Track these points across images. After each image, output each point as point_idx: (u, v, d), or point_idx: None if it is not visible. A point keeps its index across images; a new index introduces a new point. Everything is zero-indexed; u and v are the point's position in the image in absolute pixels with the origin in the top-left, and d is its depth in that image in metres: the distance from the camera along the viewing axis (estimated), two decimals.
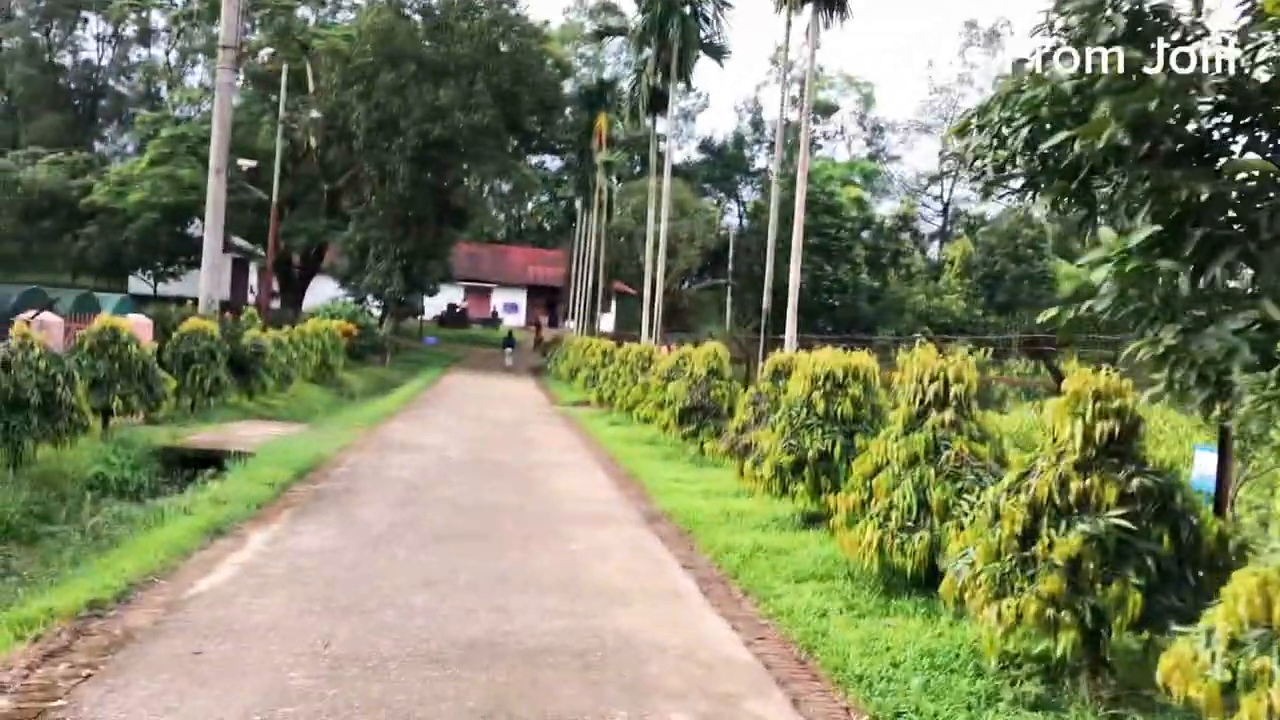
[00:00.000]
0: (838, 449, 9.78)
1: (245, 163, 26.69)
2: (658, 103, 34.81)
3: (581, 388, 31.82)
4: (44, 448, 11.84)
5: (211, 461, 14.14)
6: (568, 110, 50.66)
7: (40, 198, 54.60)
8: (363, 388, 34.46)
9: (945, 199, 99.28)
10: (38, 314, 15.80)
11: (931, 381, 8.06)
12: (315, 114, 33.41)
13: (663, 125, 39.60)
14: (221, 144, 20.64)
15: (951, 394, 7.99)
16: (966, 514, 7.36)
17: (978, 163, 5.75)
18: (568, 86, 53.13)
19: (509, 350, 48.33)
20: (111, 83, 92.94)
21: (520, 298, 76.89)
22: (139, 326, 18.76)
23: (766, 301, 16.29)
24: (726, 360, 16.76)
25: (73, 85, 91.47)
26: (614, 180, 49.30)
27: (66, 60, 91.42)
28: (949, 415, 7.92)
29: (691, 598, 7.79)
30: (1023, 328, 61.96)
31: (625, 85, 43.97)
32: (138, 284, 59.29)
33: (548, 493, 12.53)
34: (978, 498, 7.44)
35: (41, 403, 11.26)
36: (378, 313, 48.87)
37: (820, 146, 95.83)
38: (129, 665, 5.45)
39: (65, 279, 58.57)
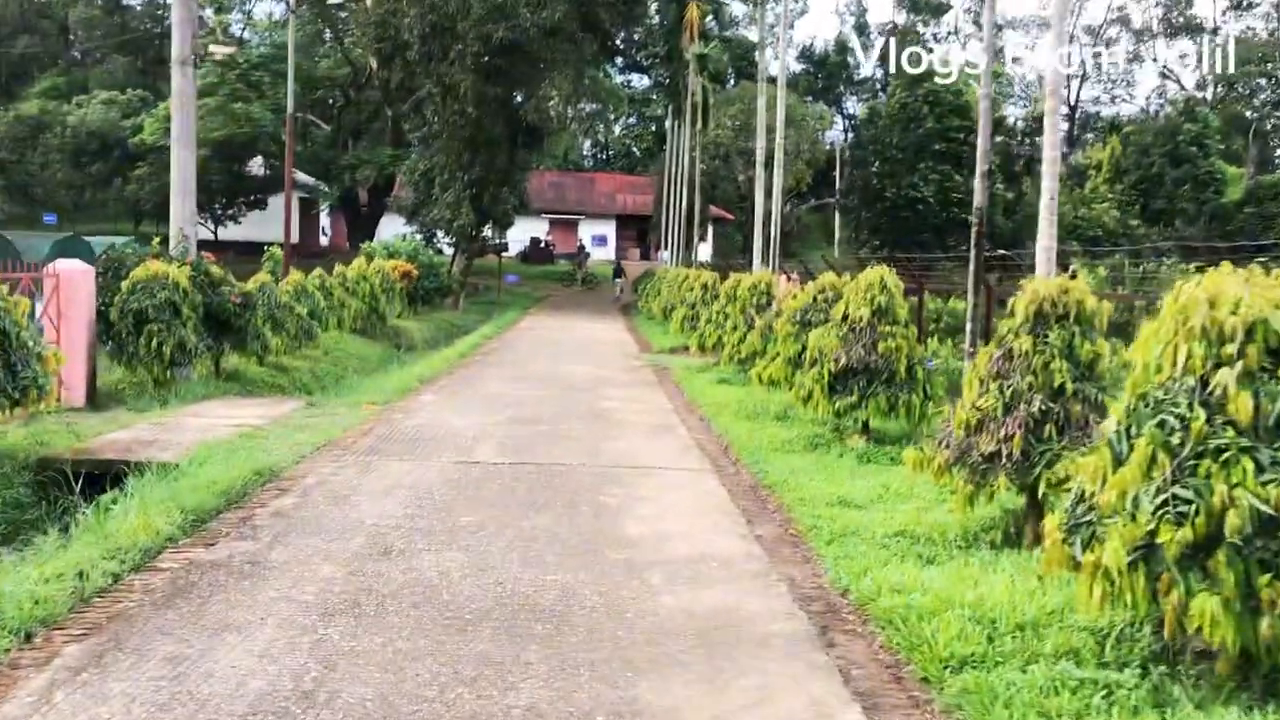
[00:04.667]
0: None
1: (220, 48, 21.03)
2: None
3: (678, 330, 26.19)
4: None
5: (120, 476, 9.06)
6: (653, 7, 44.28)
7: (88, 139, 50.56)
8: (425, 336, 29.60)
9: (1072, 102, 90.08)
10: None
11: None
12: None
13: None
14: (184, 25, 15.42)
15: None
16: None
17: None
18: None
19: (619, 281, 49.28)
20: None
21: (609, 229, 71.13)
22: (72, 277, 13.69)
23: (980, 196, 10.17)
24: (900, 294, 10.93)
25: (140, 26, 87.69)
26: (708, 86, 42.95)
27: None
28: None
29: None
30: (1180, 236, 54.21)
31: None
32: (200, 229, 55.35)
33: (621, 550, 6.96)
34: None
35: None
36: (450, 250, 43.84)
37: (931, 50, 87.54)
38: None
39: (127, 226, 54.95)
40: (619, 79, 73.38)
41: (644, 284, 45.24)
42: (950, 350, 17.91)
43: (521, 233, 59.09)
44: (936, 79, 54.04)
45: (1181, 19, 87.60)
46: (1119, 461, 4.52)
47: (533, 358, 21.89)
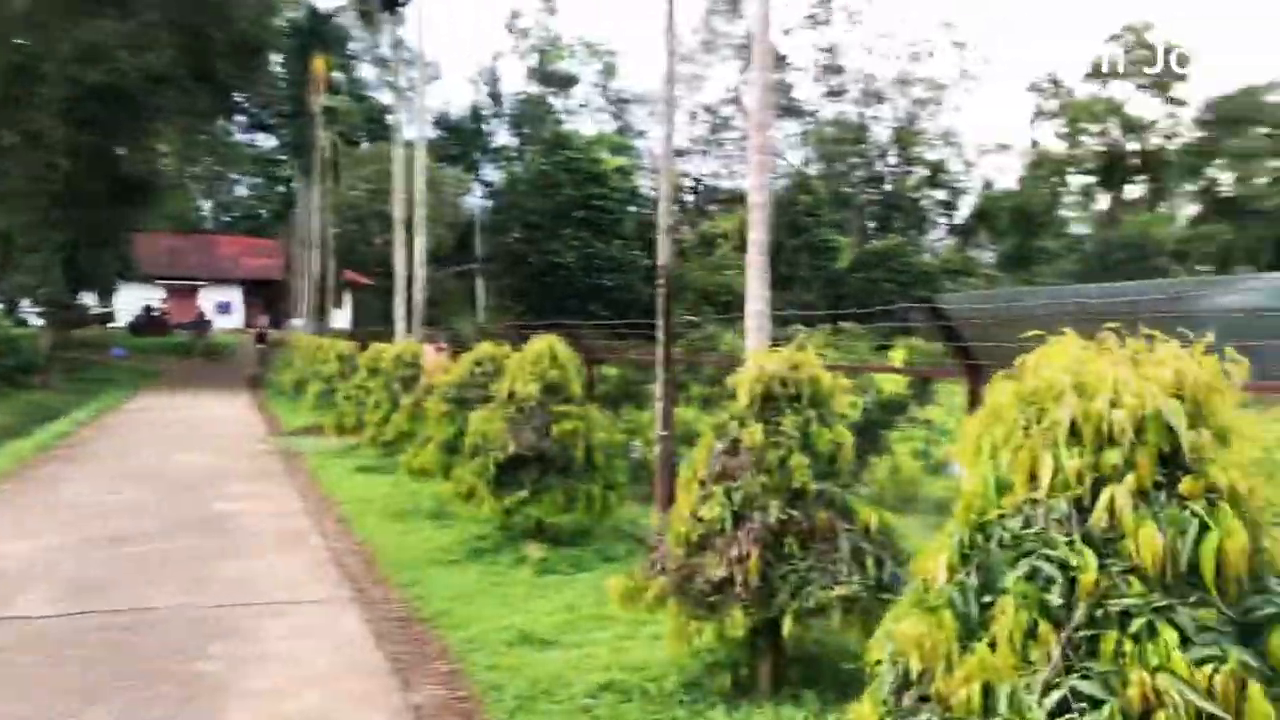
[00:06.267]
0: None
1: None
2: None
3: (312, 407, 23.49)
4: None
5: None
6: (275, 60, 41.11)
7: None
8: (1, 423, 24.74)
9: (694, 175, 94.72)
10: None
11: None
12: None
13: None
14: None
15: None
16: None
17: None
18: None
19: (260, 348, 46.12)
20: None
21: (235, 295, 65.75)
22: None
23: (664, 254, 8.50)
24: (574, 367, 9.40)
25: None
26: (338, 142, 40.31)
27: None
28: None
29: None
30: (800, 302, 57.78)
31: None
32: None
33: None
34: None
35: None
36: (40, 321, 38.10)
37: (561, 121, 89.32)
38: None
39: None
40: (243, 137, 68.62)
41: (274, 355, 41.58)
42: (610, 422, 16.75)
43: (133, 301, 53.22)
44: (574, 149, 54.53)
45: (786, 101, 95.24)
46: (969, 631, 3.05)
47: (136, 447, 18.46)
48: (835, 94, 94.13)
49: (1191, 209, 66.71)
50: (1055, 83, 70.24)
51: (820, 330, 26.68)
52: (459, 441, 10.36)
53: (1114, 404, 3.01)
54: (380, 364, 17.09)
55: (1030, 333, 3.42)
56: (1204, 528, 2.88)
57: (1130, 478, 2.95)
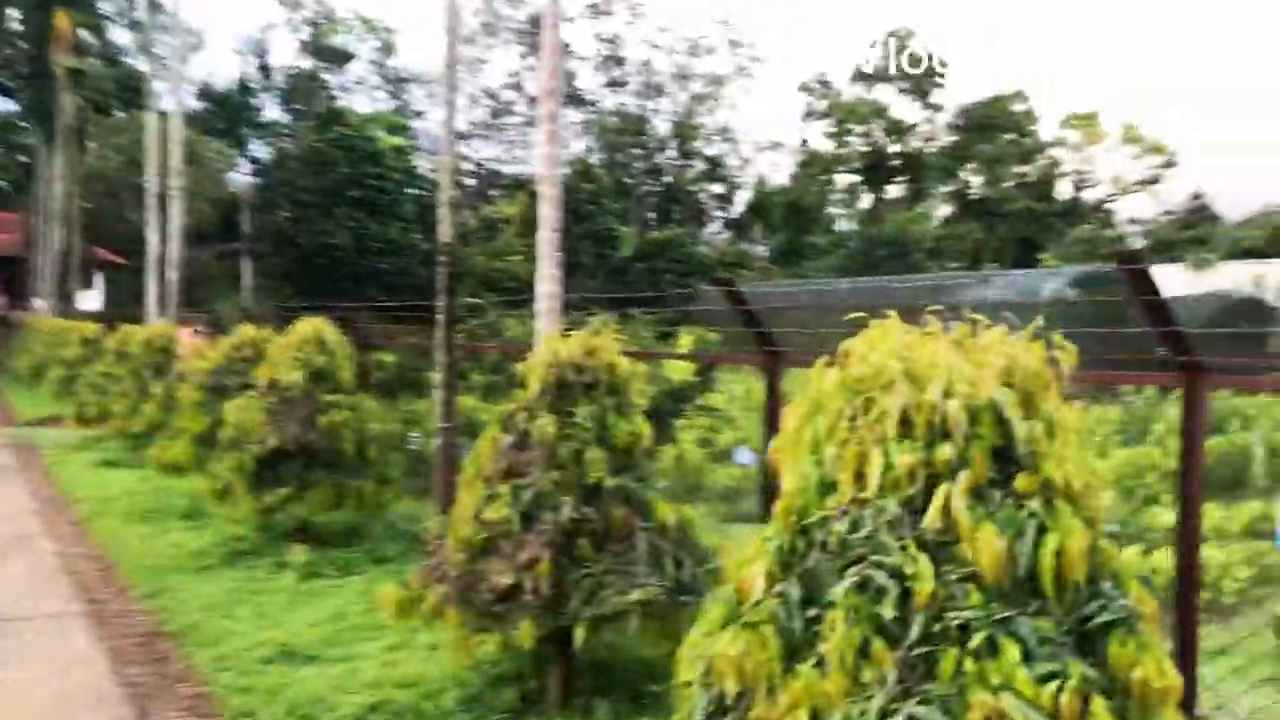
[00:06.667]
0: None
1: None
2: None
3: (52, 395, 21.40)
4: None
5: None
6: (13, 15, 37.35)
7: None
8: None
9: (475, 159, 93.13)
10: None
11: None
12: None
13: None
14: None
15: None
16: None
17: None
18: None
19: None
20: None
21: None
22: None
23: (447, 229, 7.92)
24: (344, 353, 8.68)
25: None
26: (85, 106, 37.06)
27: None
28: None
29: None
30: (585, 289, 57.77)
31: None
32: None
33: None
34: None
35: None
36: None
37: (336, 98, 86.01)
38: None
39: None
40: None
41: (9, 338, 37.99)
42: (385, 412, 15.96)
43: None
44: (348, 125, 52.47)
45: (569, 89, 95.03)
46: (794, 650, 2.71)
47: None
48: (617, 85, 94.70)
49: (946, 209, 70.87)
50: (824, 84, 72.88)
51: (607, 317, 26.46)
52: (215, 433, 9.45)
53: (947, 393, 2.74)
54: (129, 348, 15.66)
55: (853, 315, 3.15)
56: (1041, 528, 2.66)
57: (965, 475, 2.69)
